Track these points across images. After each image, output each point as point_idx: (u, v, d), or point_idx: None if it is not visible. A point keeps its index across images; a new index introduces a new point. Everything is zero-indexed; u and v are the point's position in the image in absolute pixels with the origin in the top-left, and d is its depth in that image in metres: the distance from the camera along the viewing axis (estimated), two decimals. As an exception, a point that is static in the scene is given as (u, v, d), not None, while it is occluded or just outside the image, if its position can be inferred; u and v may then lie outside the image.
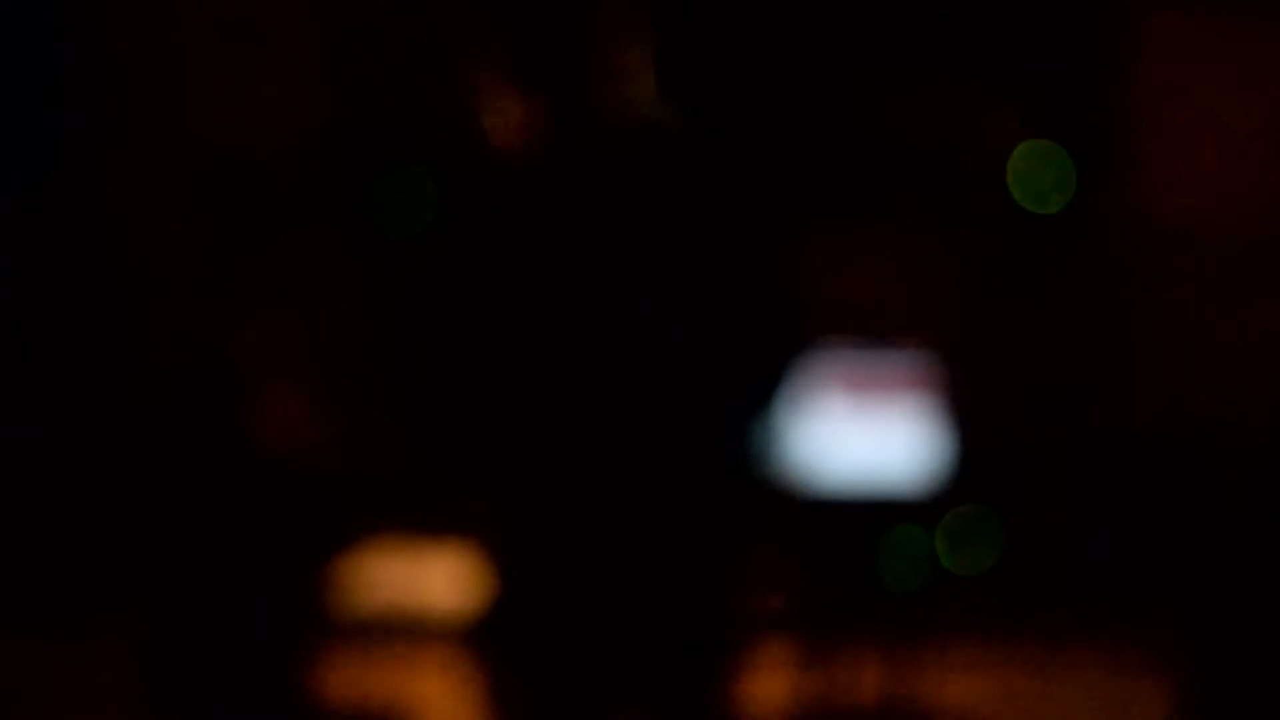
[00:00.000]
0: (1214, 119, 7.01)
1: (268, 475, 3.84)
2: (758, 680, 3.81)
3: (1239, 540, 3.33)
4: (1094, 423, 6.87)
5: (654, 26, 6.80)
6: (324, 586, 3.56)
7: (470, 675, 4.05)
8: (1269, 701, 3.20)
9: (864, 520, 3.74)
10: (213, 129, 6.63)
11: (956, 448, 4.05)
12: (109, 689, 5.10)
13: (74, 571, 6.13)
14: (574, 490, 2.83)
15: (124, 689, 3.87)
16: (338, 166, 6.87)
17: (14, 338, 6.45)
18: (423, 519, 3.97)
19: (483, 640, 2.99)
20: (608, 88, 2.91)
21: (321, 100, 6.79)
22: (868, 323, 6.57)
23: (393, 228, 6.87)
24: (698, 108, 6.81)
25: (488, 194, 2.91)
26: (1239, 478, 3.41)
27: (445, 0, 6.85)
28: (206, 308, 6.55)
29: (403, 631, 3.99)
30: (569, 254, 2.83)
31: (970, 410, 4.86)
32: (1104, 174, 7.17)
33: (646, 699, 2.91)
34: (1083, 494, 3.77)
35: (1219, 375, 6.89)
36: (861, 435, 4.03)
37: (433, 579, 3.66)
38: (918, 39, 7.39)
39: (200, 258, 6.63)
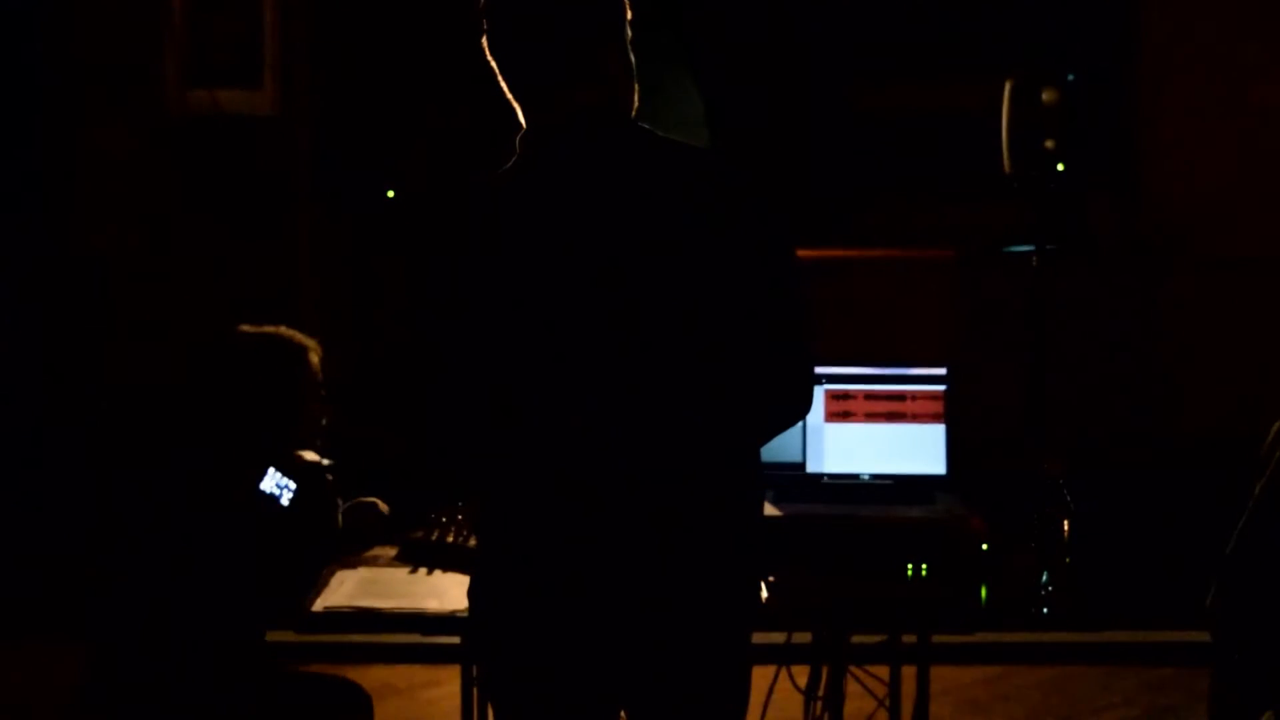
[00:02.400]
0: (1230, 127, 6.96)
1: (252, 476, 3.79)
2: (763, 684, 3.76)
3: (1258, 540, 3.27)
4: (1106, 429, 6.84)
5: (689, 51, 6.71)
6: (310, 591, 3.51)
7: (469, 678, 4.01)
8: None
9: (878, 534, 3.69)
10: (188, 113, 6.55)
11: (969, 458, 4.01)
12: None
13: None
14: (575, 492, 2.75)
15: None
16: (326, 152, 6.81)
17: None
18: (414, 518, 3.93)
19: (482, 644, 2.92)
20: (606, 89, 2.82)
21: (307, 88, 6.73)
22: (882, 338, 6.55)
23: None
24: (719, 120, 6.76)
25: (483, 190, 2.83)
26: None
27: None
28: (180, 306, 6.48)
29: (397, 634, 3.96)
30: (577, 255, 2.74)
31: (981, 420, 4.81)
32: (1117, 188, 7.13)
33: (650, 701, 2.84)
34: (1090, 500, 3.71)
35: (1232, 381, 6.84)
36: (875, 449, 3.98)
37: (431, 582, 3.59)
38: (928, 52, 7.35)
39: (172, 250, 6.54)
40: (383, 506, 3.97)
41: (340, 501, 3.92)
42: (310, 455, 3.91)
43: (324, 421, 3.96)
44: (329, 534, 3.85)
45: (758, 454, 2.88)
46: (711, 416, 2.75)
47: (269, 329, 3.91)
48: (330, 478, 3.88)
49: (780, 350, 2.80)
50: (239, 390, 3.83)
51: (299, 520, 3.77)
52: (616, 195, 2.75)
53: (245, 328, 3.92)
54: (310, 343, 3.92)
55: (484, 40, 2.84)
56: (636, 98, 2.86)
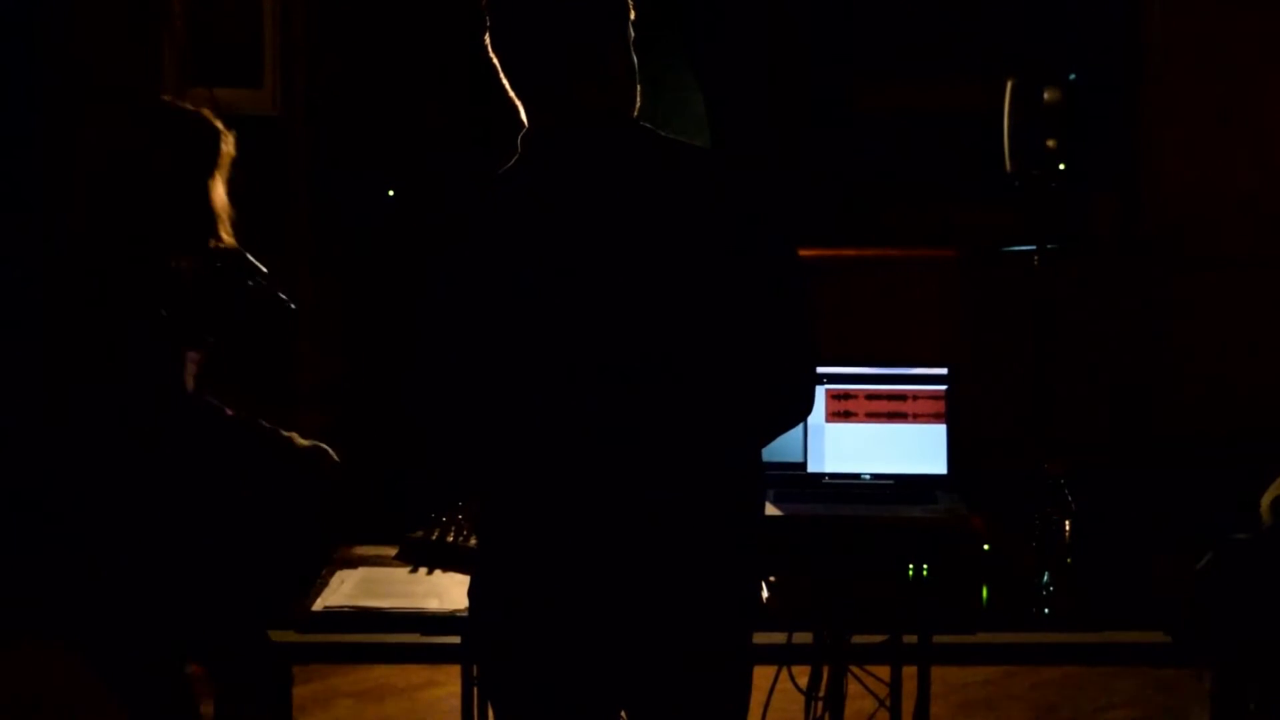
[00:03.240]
0: (1231, 128, 6.96)
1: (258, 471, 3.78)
2: (765, 685, 3.75)
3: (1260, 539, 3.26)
4: (1107, 429, 6.84)
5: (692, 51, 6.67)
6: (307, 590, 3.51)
7: (470, 679, 4.00)
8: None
9: (879, 534, 3.68)
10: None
11: (970, 458, 4.01)
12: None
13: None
14: (575, 492, 2.74)
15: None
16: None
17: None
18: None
19: (483, 644, 2.91)
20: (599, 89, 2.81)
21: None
22: (883, 338, 6.54)
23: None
24: (719, 119, 6.74)
25: (484, 190, 2.82)
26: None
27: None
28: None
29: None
30: (578, 256, 2.73)
31: (982, 420, 4.80)
32: (1118, 187, 7.12)
33: (650, 701, 2.83)
34: (1091, 500, 3.71)
35: (1233, 381, 6.84)
36: (876, 449, 3.98)
37: (431, 581, 3.58)
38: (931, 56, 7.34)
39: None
40: (332, 454, 3.97)
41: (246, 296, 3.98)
42: (255, 261, 3.98)
43: (233, 215, 3.95)
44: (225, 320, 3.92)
45: (758, 454, 2.88)
46: (712, 417, 2.74)
47: (189, 106, 3.93)
48: (266, 282, 3.98)
49: (782, 351, 2.79)
50: (149, 154, 3.83)
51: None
52: (618, 196, 2.74)
53: (166, 98, 4.00)
54: (227, 132, 3.92)
55: (486, 37, 2.83)
56: (639, 98, 2.85)
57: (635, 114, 2.84)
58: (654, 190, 2.74)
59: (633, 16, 2.84)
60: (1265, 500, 3.31)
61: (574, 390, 2.71)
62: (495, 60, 2.83)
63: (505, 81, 2.83)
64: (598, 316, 2.71)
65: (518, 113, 2.84)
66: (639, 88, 2.85)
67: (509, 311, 2.72)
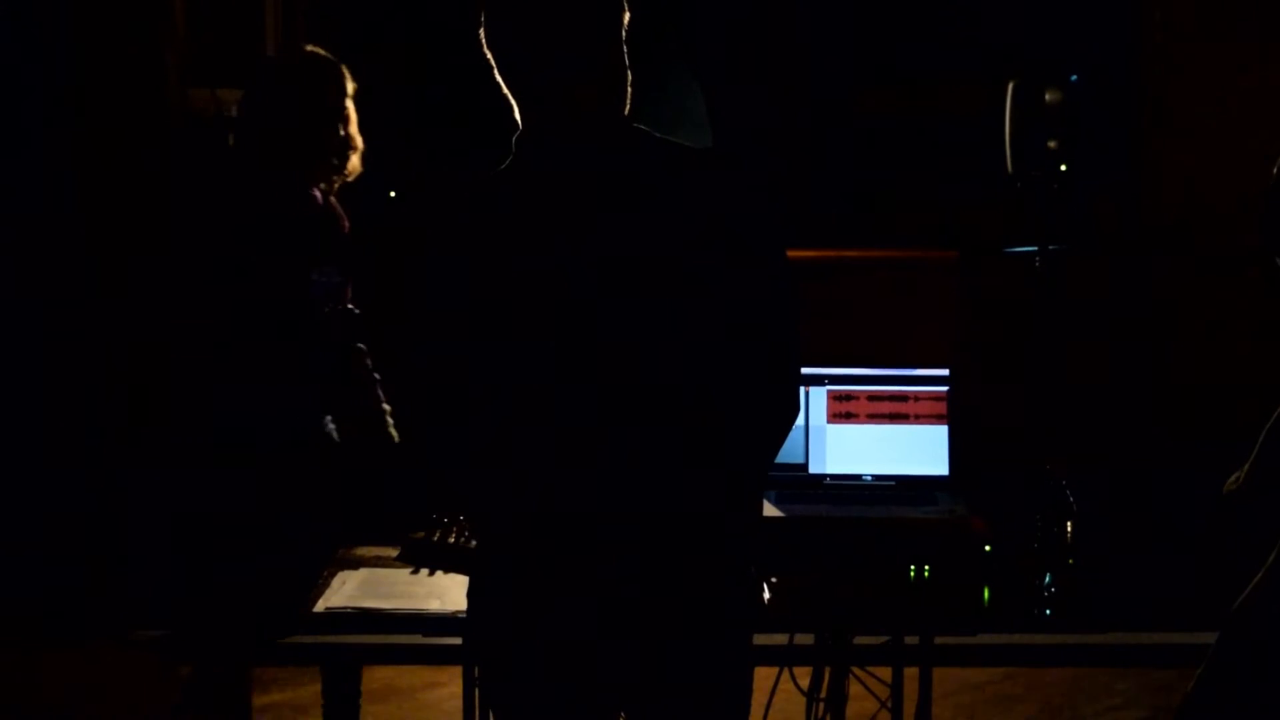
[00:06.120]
0: (1233, 127, 6.96)
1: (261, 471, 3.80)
2: (763, 685, 3.74)
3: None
4: (1109, 429, 6.84)
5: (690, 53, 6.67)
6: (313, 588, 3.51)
7: (470, 679, 4.00)
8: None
9: (880, 535, 3.68)
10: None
11: (971, 459, 4.00)
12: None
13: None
14: (569, 497, 2.74)
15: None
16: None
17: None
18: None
19: (481, 647, 2.91)
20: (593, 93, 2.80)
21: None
22: (884, 339, 6.53)
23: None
24: (719, 120, 6.73)
25: (471, 190, 2.82)
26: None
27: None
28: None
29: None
30: (568, 260, 2.73)
31: (983, 421, 4.80)
32: (1120, 188, 7.12)
33: (650, 704, 2.83)
34: (1092, 500, 3.71)
35: (1235, 381, 6.83)
36: (877, 450, 3.98)
37: (433, 583, 3.58)
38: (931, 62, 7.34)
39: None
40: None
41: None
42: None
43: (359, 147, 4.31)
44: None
45: (751, 455, 2.86)
46: (703, 420, 2.74)
47: (304, 49, 4.24)
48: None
49: (770, 354, 2.79)
50: (287, 100, 4.15)
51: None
52: (611, 198, 2.73)
53: (273, 55, 4.32)
54: (341, 64, 4.23)
55: (481, 34, 2.82)
56: (630, 98, 2.84)
57: (628, 113, 2.83)
58: (647, 192, 2.74)
59: (627, 17, 2.83)
60: (1227, 484, 3.31)
61: (563, 395, 2.70)
62: (490, 58, 2.82)
63: (500, 80, 2.83)
64: (590, 319, 2.70)
65: (512, 112, 2.83)
66: (631, 88, 2.84)
67: (500, 313, 2.71)
